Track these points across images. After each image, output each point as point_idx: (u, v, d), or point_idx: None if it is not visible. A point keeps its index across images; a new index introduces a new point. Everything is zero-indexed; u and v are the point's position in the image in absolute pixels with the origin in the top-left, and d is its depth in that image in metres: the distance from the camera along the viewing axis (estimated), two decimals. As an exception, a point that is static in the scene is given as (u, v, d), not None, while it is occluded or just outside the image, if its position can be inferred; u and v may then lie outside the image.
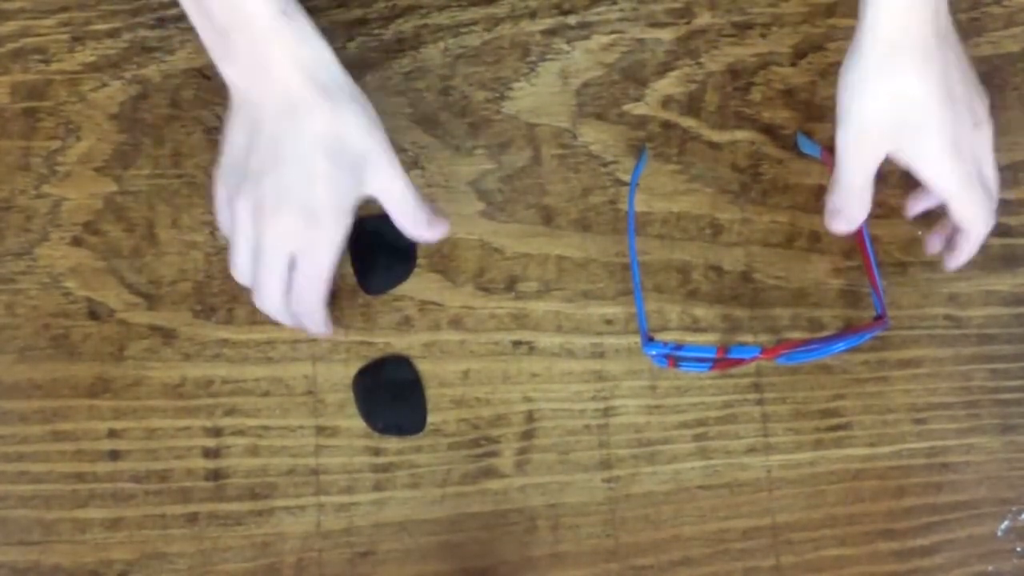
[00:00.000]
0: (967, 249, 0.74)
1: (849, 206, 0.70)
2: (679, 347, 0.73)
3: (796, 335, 0.83)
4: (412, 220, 0.69)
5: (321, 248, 0.65)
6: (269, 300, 0.68)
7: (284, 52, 0.63)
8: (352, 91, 0.65)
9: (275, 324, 0.80)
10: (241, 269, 0.68)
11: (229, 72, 0.65)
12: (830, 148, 0.73)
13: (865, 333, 0.75)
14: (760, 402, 0.82)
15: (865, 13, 0.66)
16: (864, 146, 0.68)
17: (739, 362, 0.74)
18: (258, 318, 0.80)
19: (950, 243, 0.76)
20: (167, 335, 0.80)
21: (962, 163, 0.68)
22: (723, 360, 0.74)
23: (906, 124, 0.67)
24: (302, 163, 0.63)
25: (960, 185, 0.69)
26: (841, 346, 0.76)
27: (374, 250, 0.80)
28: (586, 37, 0.85)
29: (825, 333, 0.81)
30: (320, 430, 0.80)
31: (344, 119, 0.64)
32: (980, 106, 0.71)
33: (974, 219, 0.71)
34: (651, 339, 0.73)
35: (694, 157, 0.84)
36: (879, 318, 0.75)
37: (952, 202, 0.70)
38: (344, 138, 0.64)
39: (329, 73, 0.64)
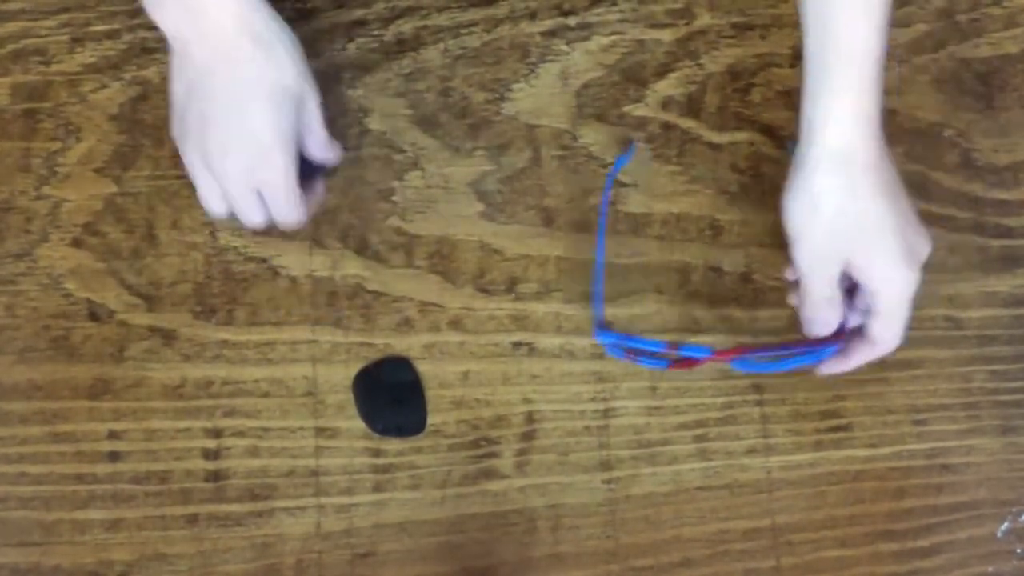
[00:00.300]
0: (860, 361, 0.73)
1: (823, 315, 0.70)
2: (629, 338, 0.73)
3: (796, 335, 0.83)
4: (324, 146, 0.74)
5: (277, 177, 0.70)
6: (252, 223, 0.74)
7: (217, 2, 0.65)
8: (283, 36, 0.68)
9: (275, 325, 0.80)
10: (213, 208, 0.73)
11: (165, 21, 0.67)
12: None
13: (824, 348, 0.73)
14: (760, 403, 0.82)
15: (811, 130, 0.65)
16: (824, 264, 0.67)
17: (695, 362, 0.73)
18: (258, 319, 0.80)
19: (843, 351, 0.73)
20: (167, 336, 0.80)
21: (912, 281, 0.68)
22: (680, 360, 0.73)
23: (862, 240, 0.66)
24: (242, 110, 0.67)
25: (901, 303, 0.68)
26: (799, 361, 0.74)
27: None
28: (586, 38, 0.85)
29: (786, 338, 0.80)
30: (320, 431, 0.80)
31: (279, 65, 0.68)
32: (924, 243, 0.69)
33: (893, 339, 0.70)
34: (604, 328, 0.73)
35: (694, 158, 0.84)
36: (839, 333, 0.73)
37: (885, 318, 0.69)
38: (280, 82, 0.68)
39: (262, 21, 0.67)
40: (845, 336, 0.72)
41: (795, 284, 0.72)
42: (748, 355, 0.73)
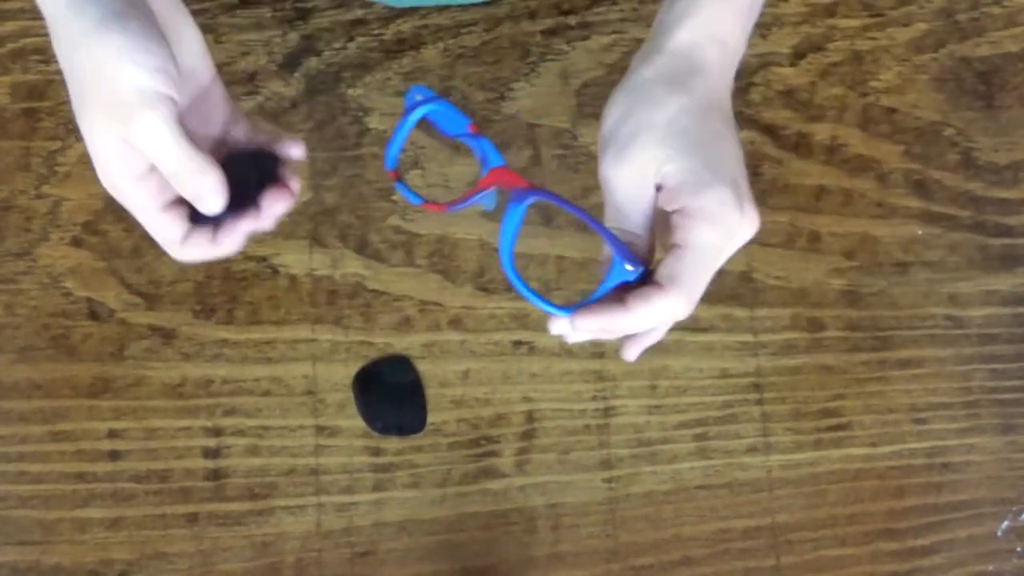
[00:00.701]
0: (639, 318, 0.53)
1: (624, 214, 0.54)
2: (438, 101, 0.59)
3: (796, 335, 0.83)
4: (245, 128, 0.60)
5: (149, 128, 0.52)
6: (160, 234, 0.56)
7: None
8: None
9: (275, 324, 0.80)
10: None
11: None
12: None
13: (624, 260, 0.53)
14: (760, 402, 0.82)
15: (660, 33, 0.55)
16: (627, 164, 0.53)
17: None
18: (258, 318, 0.80)
19: (623, 300, 0.55)
20: (167, 335, 0.80)
21: (732, 235, 0.53)
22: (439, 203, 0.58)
23: (695, 158, 0.52)
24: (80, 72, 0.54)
25: (715, 252, 0.53)
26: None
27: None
28: (586, 37, 0.85)
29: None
30: (320, 430, 0.80)
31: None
32: (753, 218, 0.53)
33: (687, 297, 0.53)
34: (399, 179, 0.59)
35: (694, 157, 0.84)
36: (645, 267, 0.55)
37: (690, 264, 0.53)
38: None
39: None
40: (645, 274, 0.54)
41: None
42: (536, 194, 0.55)
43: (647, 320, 0.53)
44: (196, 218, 0.55)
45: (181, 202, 0.55)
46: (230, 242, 0.56)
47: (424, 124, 0.83)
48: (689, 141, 0.52)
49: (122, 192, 0.54)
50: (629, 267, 0.53)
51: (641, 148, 0.52)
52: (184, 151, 0.52)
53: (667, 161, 0.52)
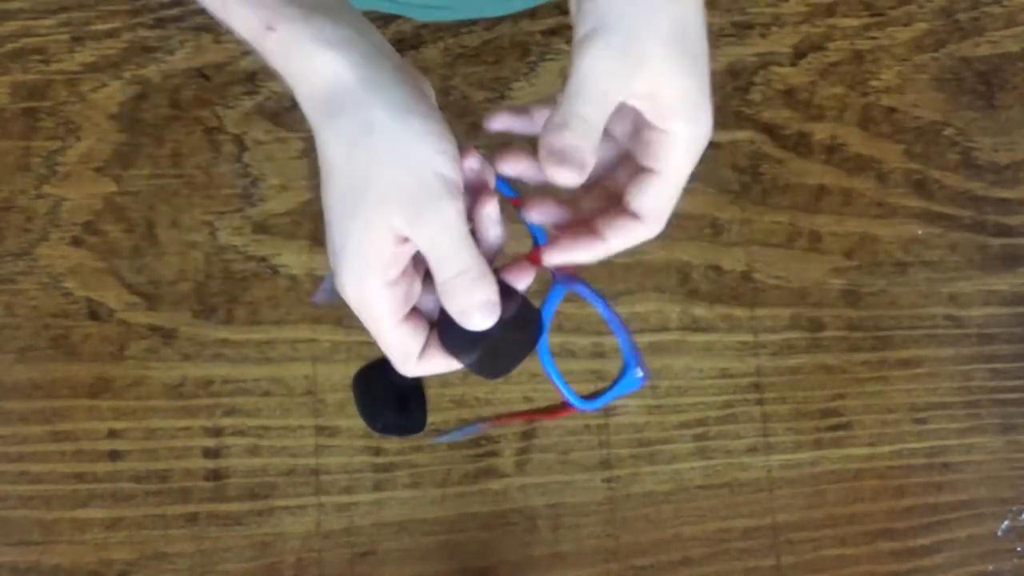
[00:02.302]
0: (617, 246, 0.52)
1: (582, 146, 0.48)
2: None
3: (796, 335, 0.83)
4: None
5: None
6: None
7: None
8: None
9: (275, 324, 0.80)
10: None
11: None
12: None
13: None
14: (760, 402, 0.82)
15: None
16: (628, 66, 0.48)
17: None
18: (258, 318, 0.80)
19: (595, 231, 0.52)
20: (167, 335, 0.80)
21: (703, 144, 0.50)
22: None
23: (669, 59, 0.48)
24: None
25: (688, 162, 0.50)
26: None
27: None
28: (586, 37, 0.85)
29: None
30: (320, 430, 0.80)
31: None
32: (710, 123, 0.51)
33: (662, 214, 0.51)
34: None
35: (694, 157, 0.84)
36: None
37: (664, 180, 0.50)
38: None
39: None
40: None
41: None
42: (577, 285, 0.54)
43: (620, 248, 0.52)
44: (446, 339, 0.49)
45: (417, 313, 0.50)
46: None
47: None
48: (689, 56, 0.49)
49: (368, 299, 0.48)
50: (640, 374, 0.53)
51: (648, 50, 0.47)
52: (470, 250, 0.47)
53: (667, 72, 0.48)
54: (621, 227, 0.51)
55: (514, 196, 0.53)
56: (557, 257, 0.52)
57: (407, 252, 0.47)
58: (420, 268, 0.49)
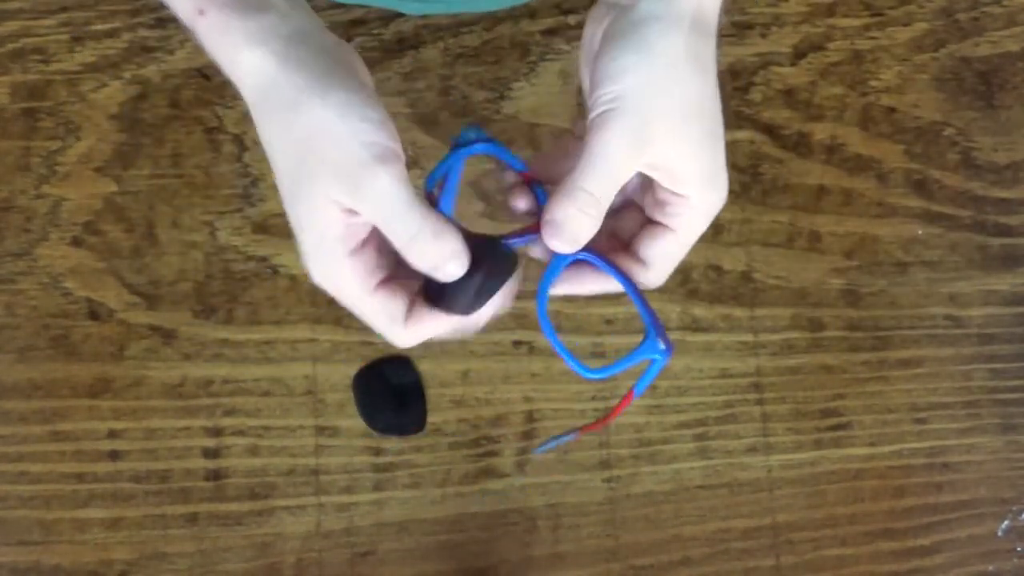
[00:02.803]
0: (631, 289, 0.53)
1: (587, 218, 0.49)
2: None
3: (796, 335, 0.83)
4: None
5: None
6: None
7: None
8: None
9: (275, 324, 0.80)
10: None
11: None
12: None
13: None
14: (760, 402, 0.82)
15: None
16: (643, 148, 0.48)
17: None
18: (258, 318, 0.80)
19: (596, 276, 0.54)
20: (167, 335, 0.80)
21: (718, 209, 0.51)
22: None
23: (688, 123, 0.48)
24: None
25: (703, 224, 0.51)
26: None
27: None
28: (586, 37, 0.85)
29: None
30: (320, 430, 0.80)
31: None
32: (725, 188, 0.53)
33: (667, 271, 0.53)
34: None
35: (694, 157, 0.84)
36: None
37: (681, 236, 0.51)
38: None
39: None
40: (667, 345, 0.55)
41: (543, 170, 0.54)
42: (584, 254, 0.52)
43: (618, 290, 0.53)
44: (432, 297, 0.49)
45: (393, 280, 0.50)
46: (479, 313, 0.51)
47: (426, 122, 0.84)
48: (705, 128, 0.49)
49: (333, 274, 0.48)
50: (662, 346, 0.53)
51: (662, 131, 0.47)
52: (419, 211, 0.47)
53: (683, 146, 0.48)
54: (624, 269, 0.53)
55: (523, 169, 0.54)
56: (560, 288, 0.54)
57: (361, 222, 0.47)
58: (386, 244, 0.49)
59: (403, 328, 0.50)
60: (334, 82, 0.47)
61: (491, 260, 0.50)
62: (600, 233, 0.51)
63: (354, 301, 0.49)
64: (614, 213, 0.53)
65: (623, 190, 0.52)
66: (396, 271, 0.50)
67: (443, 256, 0.48)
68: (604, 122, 0.47)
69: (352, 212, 0.46)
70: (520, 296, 0.84)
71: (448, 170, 0.53)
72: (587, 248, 0.51)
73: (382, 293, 0.49)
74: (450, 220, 0.49)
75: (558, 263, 0.53)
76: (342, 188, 0.46)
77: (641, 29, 0.48)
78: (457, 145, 0.54)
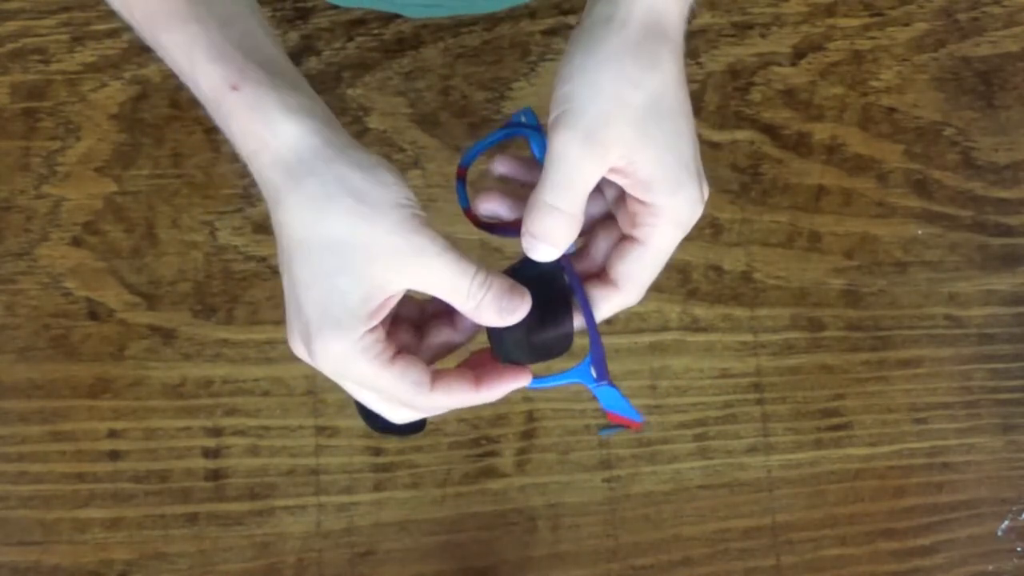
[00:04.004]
0: (603, 315, 0.54)
1: (561, 226, 0.49)
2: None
3: (796, 335, 0.83)
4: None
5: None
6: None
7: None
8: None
9: (275, 324, 0.80)
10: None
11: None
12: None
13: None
14: (760, 402, 0.82)
15: None
16: (597, 149, 0.47)
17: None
18: (258, 318, 0.80)
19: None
20: (167, 335, 0.80)
21: (693, 218, 0.51)
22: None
23: (653, 133, 0.48)
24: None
25: (676, 236, 0.51)
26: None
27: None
28: (586, 37, 0.85)
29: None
30: (320, 430, 0.80)
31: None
32: (703, 195, 0.53)
33: (643, 286, 0.53)
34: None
35: (694, 157, 0.84)
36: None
37: (651, 253, 0.51)
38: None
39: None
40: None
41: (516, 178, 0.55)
42: None
43: (595, 317, 0.53)
44: (500, 348, 0.49)
45: (405, 352, 0.50)
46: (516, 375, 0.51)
47: (426, 122, 0.84)
48: (665, 130, 0.49)
49: (353, 352, 0.47)
50: (594, 375, 0.53)
51: (616, 133, 0.47)
52: (465, 262, 0.47)
53: (641, 149, 0.48)
54: (598, 295, 0.52)
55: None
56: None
57: (393, 303, 0.47)
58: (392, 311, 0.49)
59: (429, 392, 0.50)
60: (374, 160, 0.47)
61: (545, 292, 0.51)
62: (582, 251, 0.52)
63: (374, 373, 0.48)
64: (596, 228, 0.54)
65: (603, 199, 0.53)
66: (408, 346, 0.51)
67: (501, 307, 0.49)
68: (557, 123, 0.48)
69: (393, 293, 0.47)
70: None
71: (487, 141, 0.55)
72: (569, 267, 0.51)
73: (399, 365, 0.49)
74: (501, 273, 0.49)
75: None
76: (396, 267, 0.46)
77: (592, 31, 0.48)
78: (509, 125, 0.55)
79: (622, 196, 0.51)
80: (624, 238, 0.51)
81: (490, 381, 0.51)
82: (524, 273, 0.50)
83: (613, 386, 0.52)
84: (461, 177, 0.55)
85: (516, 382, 0.52)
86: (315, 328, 0.48)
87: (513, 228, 0.53)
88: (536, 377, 0.50)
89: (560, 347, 0.53)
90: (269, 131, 0.47)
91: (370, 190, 0.46)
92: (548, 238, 0.49)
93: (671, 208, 0.50)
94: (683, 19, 0.51)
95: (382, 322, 0.48)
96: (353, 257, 0.46)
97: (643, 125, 0.48)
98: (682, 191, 0.49)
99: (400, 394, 0.50)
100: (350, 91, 0.83)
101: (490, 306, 0.48)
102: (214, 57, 0.48)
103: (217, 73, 0.48)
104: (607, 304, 0.53)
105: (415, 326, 0.53)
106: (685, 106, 0.50)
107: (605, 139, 0.47)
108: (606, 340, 0.82)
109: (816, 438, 0.82)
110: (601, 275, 0.53)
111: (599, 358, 0.52)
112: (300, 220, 0.48)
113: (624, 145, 0.48)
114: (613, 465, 0.81)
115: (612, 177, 0.49)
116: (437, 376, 0.50)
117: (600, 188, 0.53)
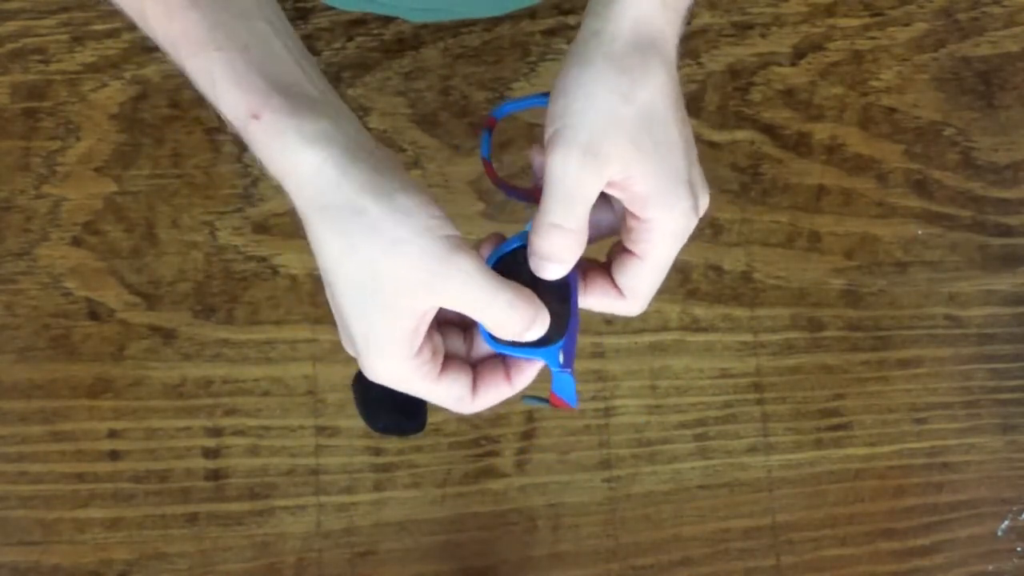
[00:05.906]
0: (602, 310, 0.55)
1: (567, 244, 0.50)
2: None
3: (796, 335, 0.83)
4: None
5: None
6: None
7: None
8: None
9: (275, 324, 0.80)
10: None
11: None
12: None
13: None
14: (760, 402, 0.82)
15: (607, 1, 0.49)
16: (595, 162, 0.48)
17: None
18: (258, 318, 0.80)
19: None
20: (167, 335, 0.80)
21: (690, 228, 0.52)
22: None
23: (648, 146, 0.49)
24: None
25: (674, 247, 0.52)
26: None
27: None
28: (586, 37, 0.85)
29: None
30: (320, 430, 0.80)
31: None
32: (704, 200, 0.54)
33: (647, 296, 0.53)
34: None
35: (694, 157, 0.84)
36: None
37: (651, 263, 0.52)
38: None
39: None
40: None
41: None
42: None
43: (598, 310, 0.55)
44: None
45: (452, 360, 0.52)
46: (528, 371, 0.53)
47: (426, 122, 0.84)
48: (658, 142, 0.49)
49: (404, 375, 0.50)
50: (561, 360, 0.53)
51: (613, 146, 0.48)
52: (496, 290, 0.48)
53: (637, 163, 0.48)
54: (603, 294, 0.54)
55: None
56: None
57: (428, 319, 0.48)
58: (433, 321, 0.50)
59: (471, 403, 0.52)
60: (395, 184, 0.47)
61: (560, 295, 0.52)
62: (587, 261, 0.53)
63: (425, 391, 0.51)
64: (606, 230, 0.54)
65: (612, 209, 0.53)
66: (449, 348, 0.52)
67: (529, 325, 0.49)
68: (555, 140, 0.48)
69: (425, 313, 0.47)
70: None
71: (524, 101, 0.56)
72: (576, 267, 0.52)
73: (446, 379, 0.51)
74: (525, 289, 0.50)
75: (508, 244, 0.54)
76: (425, 291, 0.47)
77: (584, 45, 0.49)
78: (545, 94, 0.54)
79: (622, 210, 0.52)
80: (624, 251, 0.52)
81: (515, 369, 0.53)
82: (521, 269, 0.51)
83: (571, 375, 0.54)
84: (490, 127, 0.55)
85: (536, 364, 0.53)
86: (362, 351, 0.49)
87: (522, 193, 0.54)
88: (508, 345, 0.51)
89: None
90: (289, 162, 0.47)
91: (391, 226, 0.46)
92: (555, 257, 0.50)
93: (666, 222, 0.51)
94: (675, 30, 0.51)
95: (428, 329, 0.49)
96: (382, 294, 0.47)
97: (637, 138, 0.48)
98: (677, 204, 0.51)
99: (447, 405, 0.52)
100: (350, 91, 0.83)
101: (513, 329, 0.49)
102: (234, 85, 0.48)
103: (237, 101, 0.48)
104: (610, 305, 0.54)
105: (462, 328, 0.54)
106: (679, 116, 0.50)
107: (603, 152, 0.48)
108: (606, 340, 0.82)
109: (816, 438, 0.82)
110: (607, 278, 0.54)
111: (570, 348, 0.53)
112: (328, 253, 0.49)
113: (621, 158, 0.48)
114: (613, 465, 0.81)
115: (610, 191, 0.49)
116: (478, 377, 0.52)
117: (608, 199, 0.53)
